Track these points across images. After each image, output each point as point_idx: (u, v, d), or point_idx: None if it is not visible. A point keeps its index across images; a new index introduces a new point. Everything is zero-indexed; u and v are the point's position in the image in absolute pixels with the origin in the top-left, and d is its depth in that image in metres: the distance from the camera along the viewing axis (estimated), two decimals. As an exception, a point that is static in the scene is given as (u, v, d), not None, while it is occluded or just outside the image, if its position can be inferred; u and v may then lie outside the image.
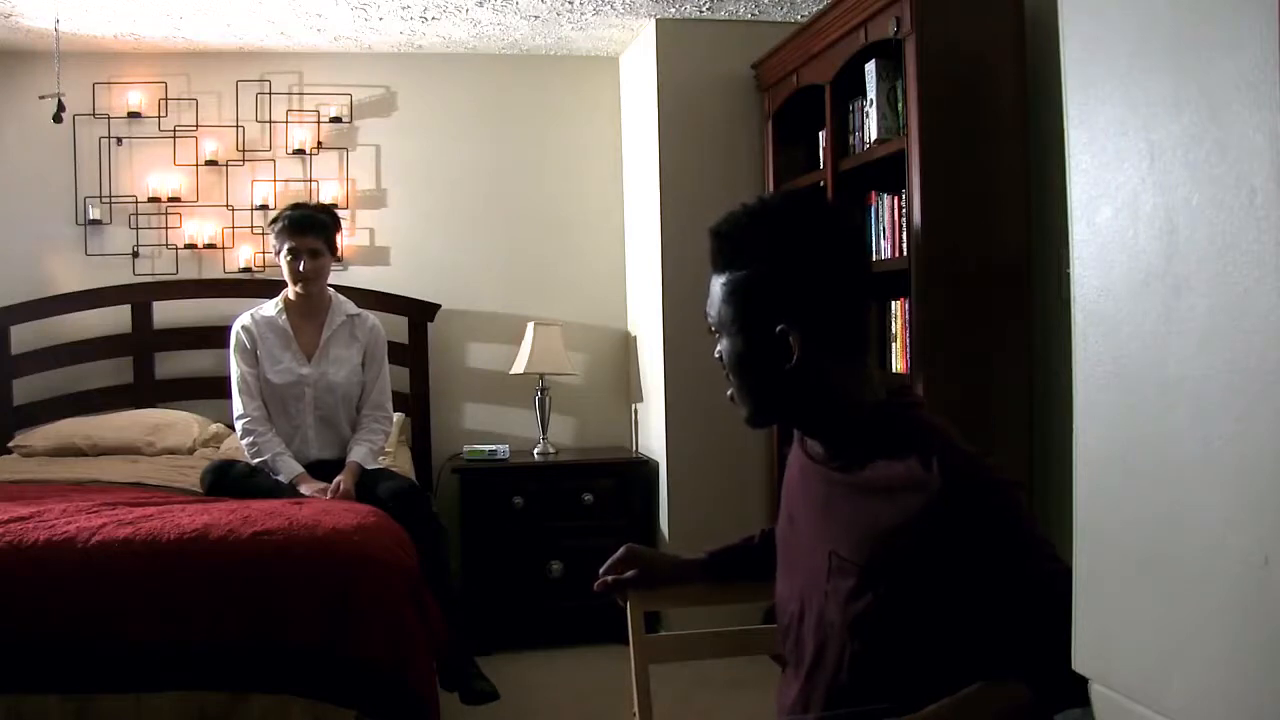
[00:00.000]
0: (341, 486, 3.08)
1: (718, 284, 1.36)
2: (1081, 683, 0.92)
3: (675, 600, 1.71)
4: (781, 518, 1.50)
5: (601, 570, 1.63)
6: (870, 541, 1.26)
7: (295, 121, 4.28)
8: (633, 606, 1.62)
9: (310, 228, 3.27)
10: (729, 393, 1.39)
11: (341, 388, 3.34)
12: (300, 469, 3.18)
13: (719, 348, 1.38)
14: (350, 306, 3.46)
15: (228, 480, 3.13)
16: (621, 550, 1.64)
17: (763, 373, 1.33)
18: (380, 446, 3.39)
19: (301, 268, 3.27)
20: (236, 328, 3.34)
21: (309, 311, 3.37)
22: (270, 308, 3.39)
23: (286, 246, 3.27)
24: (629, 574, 1.61)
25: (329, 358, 3.35)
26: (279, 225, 3.30)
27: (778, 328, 1.30)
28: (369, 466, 3.25)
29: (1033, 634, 1.15)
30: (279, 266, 3.36)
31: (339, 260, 3.62)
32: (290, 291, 3.36)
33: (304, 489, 3.09)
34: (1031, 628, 1.16)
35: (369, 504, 2.95)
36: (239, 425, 3.29)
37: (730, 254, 1.34)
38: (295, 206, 3.42)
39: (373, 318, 3.49)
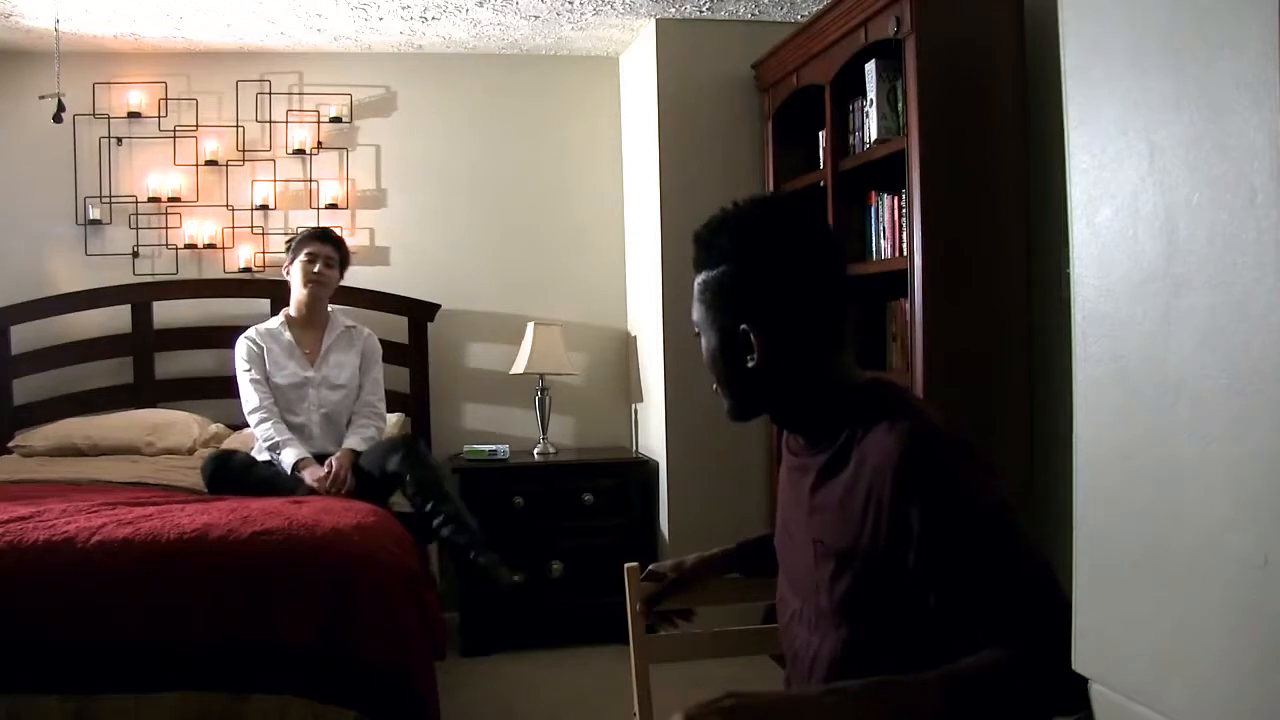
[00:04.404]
0: (335, 464, 3.27)
1: (695, 284, 1.41)
2: (1081, 683, 0.92)
3: (678, 601, 1.70)
4: (779, 527, 1.51)
5: (640, 605, 1.64)
6: (843, 521, 1.28)
7: (295, 121, 4.28)
8: (643, 606, 1.63)
9: (330, 239, 3.61)
10: (714, 387, 1.43)
11: (343, 387, 3.56)
12: (305, 453, 3.35)
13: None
14: (347, 320, 3.70)
15: (228, 470, 3.29)
16: (643, 576, 1.66)
17: (732, 370, 1.37)
18: (372, 437, 3.52)
19: (317, 269, 3.53)
20: (243, 339, 3.54)
21: (310, 324, 3.60)
22: (273, 323, 3.62)
23: (306, 251, 3.55)
24: (668, 581, 1.64)
25: (330, 362, 3.60)
26: (301, 235, 3.61)
27: (740, 327, 1.33)
28: (361, 450, 3.41)
29: (998, 604, 1.14)
30: (288, 280, 3.59)
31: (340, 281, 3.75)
32: (296, 298, 3.58)
33: (306, 474, 3.25)
34: (995, 598, 1.15)
35: (381, 481, 3.21)
36: (253, 416, 3.44)
37: (704, 255, 1.39)
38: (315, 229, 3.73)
39: (368, 329, 3.73)
